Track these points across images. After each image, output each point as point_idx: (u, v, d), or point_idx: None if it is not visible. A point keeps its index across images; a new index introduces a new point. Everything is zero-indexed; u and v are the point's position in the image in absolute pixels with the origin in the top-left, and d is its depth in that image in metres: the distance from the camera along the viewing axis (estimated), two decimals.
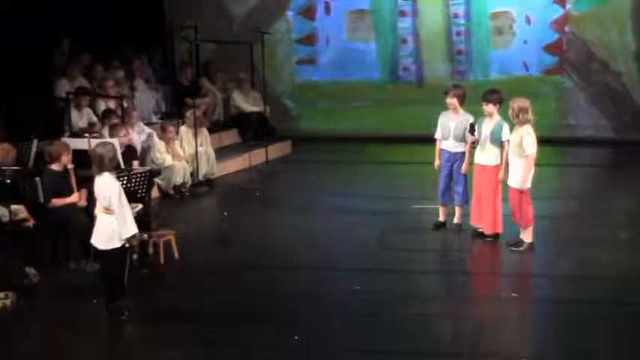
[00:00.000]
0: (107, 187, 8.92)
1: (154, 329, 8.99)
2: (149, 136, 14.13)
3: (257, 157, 15.98)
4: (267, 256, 11.05)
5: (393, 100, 17.88)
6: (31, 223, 9.94)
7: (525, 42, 17.44)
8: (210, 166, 14.38)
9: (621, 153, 16.47)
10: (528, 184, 10.73)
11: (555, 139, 17.07)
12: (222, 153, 15.82)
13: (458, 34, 17.77)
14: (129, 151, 12.35)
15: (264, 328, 8.88)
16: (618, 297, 9.56)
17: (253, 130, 16.65)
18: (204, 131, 14.70)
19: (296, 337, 8.61)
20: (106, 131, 12.98)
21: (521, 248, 10.85)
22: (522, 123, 10.65)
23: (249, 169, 15.69)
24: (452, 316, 9.16)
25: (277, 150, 16.55)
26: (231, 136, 16.66)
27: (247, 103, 16.81)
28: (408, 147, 16.78)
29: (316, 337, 8.68)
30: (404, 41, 17.96)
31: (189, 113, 14.53)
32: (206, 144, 14.56)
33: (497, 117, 11.22)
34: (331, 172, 15.45)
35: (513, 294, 9.74)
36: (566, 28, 17.30)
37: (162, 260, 10.77)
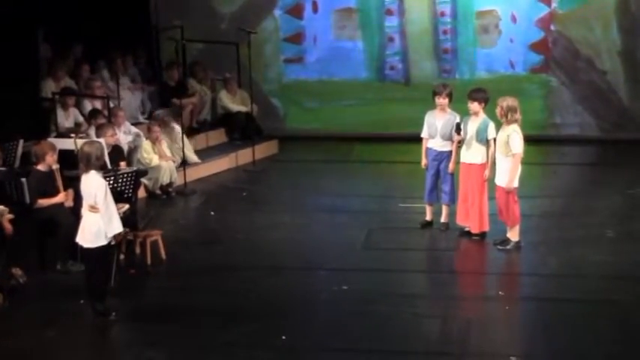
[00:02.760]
0: (93, 185, 8.92)
1: (141, 329, 8.97)
2: (136, 136, 14.09)
3: (244, 156, 15.94)
4: (254, 256, 11.03)
5: (380, 98, 17.85)
6: (8, 229, 9.80)
7: (511, 40, 17.44)
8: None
9: (607, 151, 16.50)
10: (515, 184, 10.75)
11: (541, 137, 17.09)
12: (208, 153, 15.79)
13: (444, 32, 17.76)
14: (116, 152, 12.31)
15: (251, 328, 8.87)
16: (605, 295, 9.58)
17: (240, 130, 16.61)
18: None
19: (283, 337, 8.60)
20: (92, 131, 12.94)
21: (508, 247, 10.86)
22: (510, 122, 10.66)
23: (235, 169, 15.66)
24: (439, 315, 9.16)
25: (264, 149, 16.51)
26: (217, 136, 16.62)
27: (234, 102, 16.77)
28: (394, 146, 16.76)
29: (303, 337, 8.67)
30: (391, 40, 17.95)
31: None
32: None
33: (482, 115, 11.23)
34: (318, 171, 15.43)
35: (500, 292, 9.75)
36: (552, 27, 17.32)
37: (148, 260, 10.74)
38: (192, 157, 15.01)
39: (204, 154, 15.62)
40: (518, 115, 10.72)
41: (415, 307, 9.34)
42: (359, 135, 17.56)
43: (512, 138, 10.59)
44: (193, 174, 14.77)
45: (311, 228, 12.18)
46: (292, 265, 10.63)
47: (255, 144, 16.15)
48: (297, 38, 18.17)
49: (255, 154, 15.95)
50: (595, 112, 17.37)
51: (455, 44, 17.72)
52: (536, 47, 17.41)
